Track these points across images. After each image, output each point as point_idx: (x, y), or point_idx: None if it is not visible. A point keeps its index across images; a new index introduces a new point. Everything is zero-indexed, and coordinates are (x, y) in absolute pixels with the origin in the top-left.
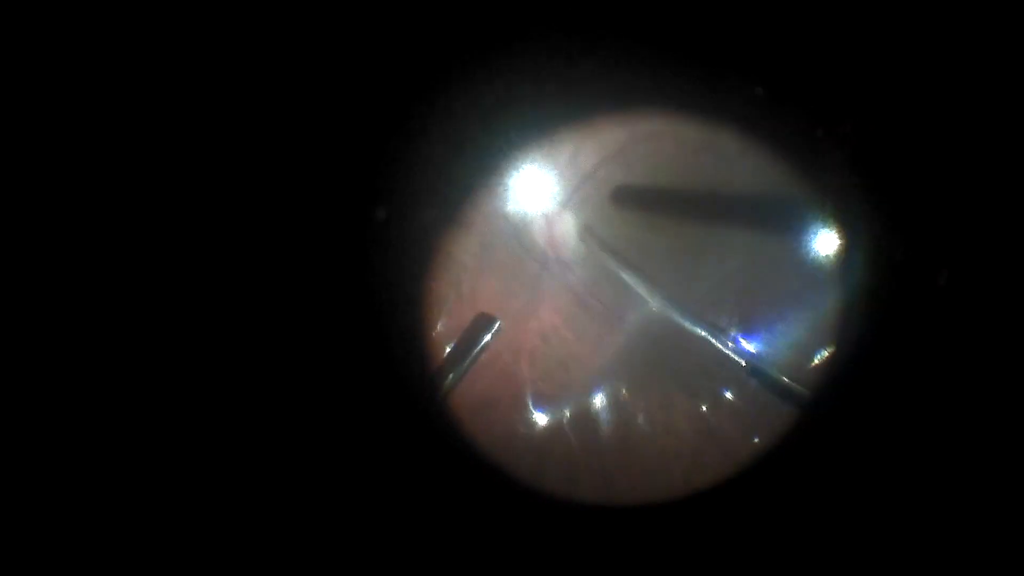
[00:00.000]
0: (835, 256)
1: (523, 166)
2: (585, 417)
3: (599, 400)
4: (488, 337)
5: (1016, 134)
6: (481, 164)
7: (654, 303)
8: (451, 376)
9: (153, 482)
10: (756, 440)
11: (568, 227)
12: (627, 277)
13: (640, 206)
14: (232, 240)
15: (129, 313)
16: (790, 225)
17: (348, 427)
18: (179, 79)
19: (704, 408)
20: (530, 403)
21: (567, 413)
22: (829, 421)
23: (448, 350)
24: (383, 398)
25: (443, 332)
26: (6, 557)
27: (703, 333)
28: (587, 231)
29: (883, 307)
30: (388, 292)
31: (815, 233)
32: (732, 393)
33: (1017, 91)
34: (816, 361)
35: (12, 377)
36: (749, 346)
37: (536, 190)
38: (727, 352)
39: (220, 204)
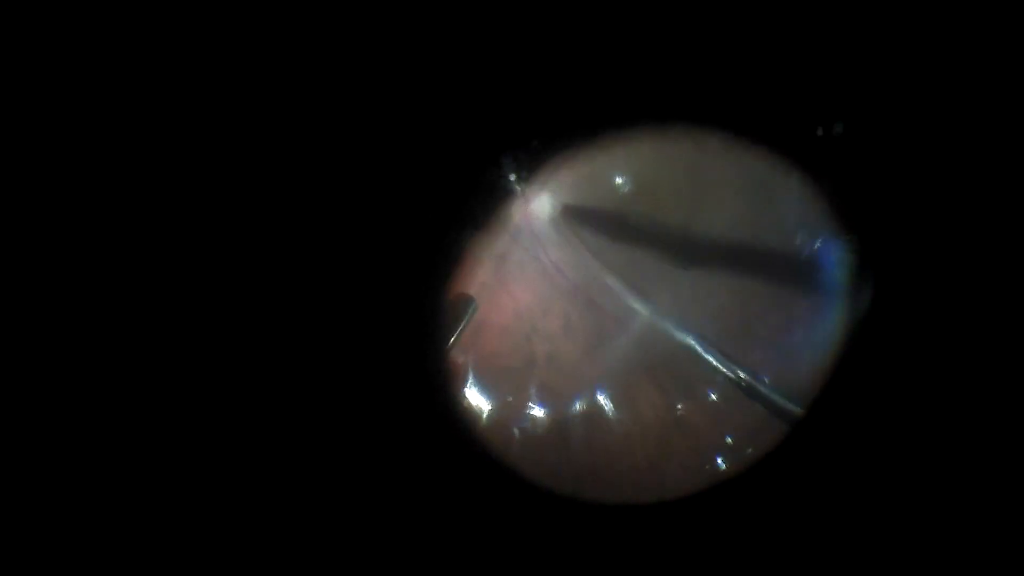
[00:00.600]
0: (835, 269)
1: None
2: (549, 398)
3: (564, 383)
4: (467, 319)
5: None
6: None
7: (633, 300)
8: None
9: (169, 475)
10: (730, 440)
11: (544, 204)
12: (604, 267)
13: (622, 197)
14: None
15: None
16: (787, 235)
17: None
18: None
19: (675, 403)
20: (495, 379)
21: (532, 393)
22: (817, 435)
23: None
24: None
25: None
26: (6, 557)
27: (682, 336)
28: (565, 213)
29: (882, 324)
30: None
31: (813, 244)
32: (709, 394)
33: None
34: (811, 379)
35: (18, 376)
36: (740, 358)
37: (514, 163)
38: (712, 362)
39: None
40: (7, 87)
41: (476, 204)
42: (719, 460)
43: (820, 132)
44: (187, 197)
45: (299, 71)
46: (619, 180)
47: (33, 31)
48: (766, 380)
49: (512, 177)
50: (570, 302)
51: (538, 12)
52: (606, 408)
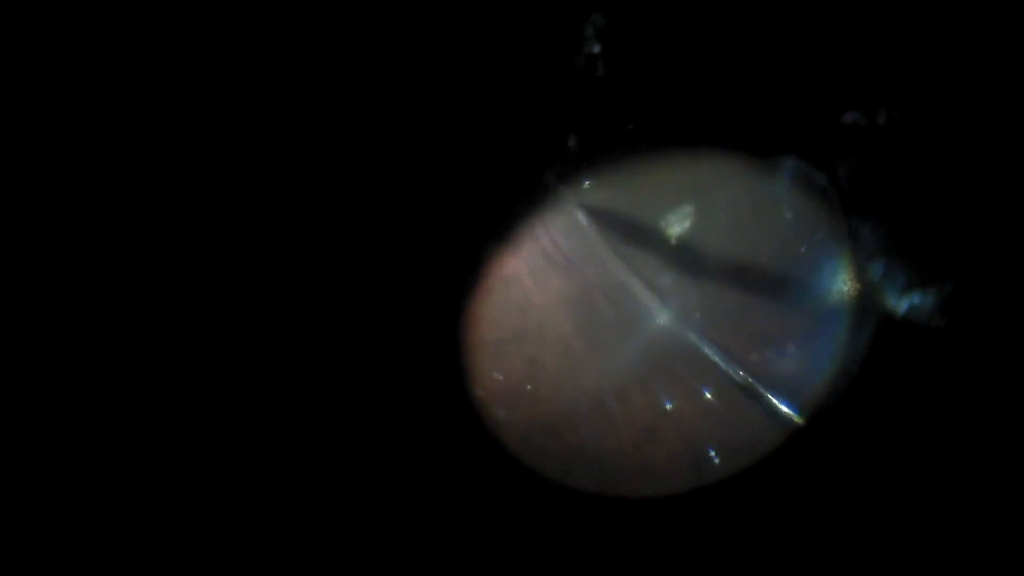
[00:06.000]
0: (844, 279)
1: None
2: (536, 376)
3: (567, 373)
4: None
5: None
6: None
7: (644, 299)
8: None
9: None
10: (723, 439)
11: (564, 203)
12: (618, 264)
13: (636, 201)
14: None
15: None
16: (794, 242)
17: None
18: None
19: (670, 399)
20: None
21: (517, 367)
22: (818, 441)
23: None
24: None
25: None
26: (6, 557)
27: (688, 335)
28: (583, 211)
29: (889, 334)
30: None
31: (822, 252)
32: (706, 393)
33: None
34: (815, 387)
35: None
36: (744, 362)
37: (531, 155)
38: (714, 361)
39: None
40: (7, 87)
41: (499, 204)
42: (711, 453)
43: (825, 140)
44: (219, 205)
45: (333, 77)
46: (634, 186)
47: (33, 31)
48: (768, 383)
49: (539, 179)
50: (581, 297)
51: (567, 29)
52: (602, 399)
